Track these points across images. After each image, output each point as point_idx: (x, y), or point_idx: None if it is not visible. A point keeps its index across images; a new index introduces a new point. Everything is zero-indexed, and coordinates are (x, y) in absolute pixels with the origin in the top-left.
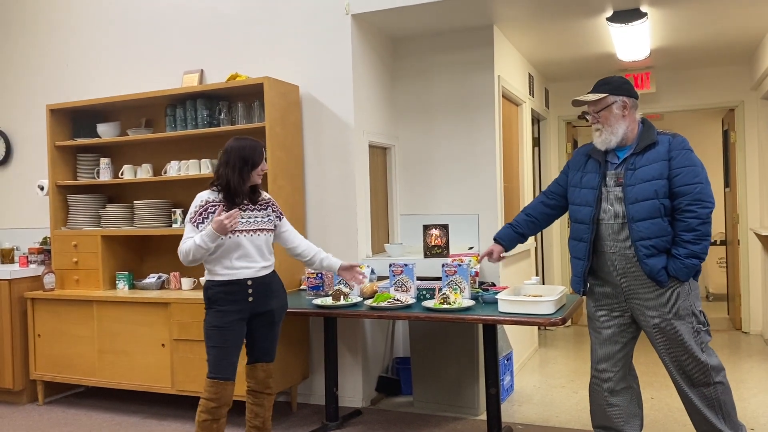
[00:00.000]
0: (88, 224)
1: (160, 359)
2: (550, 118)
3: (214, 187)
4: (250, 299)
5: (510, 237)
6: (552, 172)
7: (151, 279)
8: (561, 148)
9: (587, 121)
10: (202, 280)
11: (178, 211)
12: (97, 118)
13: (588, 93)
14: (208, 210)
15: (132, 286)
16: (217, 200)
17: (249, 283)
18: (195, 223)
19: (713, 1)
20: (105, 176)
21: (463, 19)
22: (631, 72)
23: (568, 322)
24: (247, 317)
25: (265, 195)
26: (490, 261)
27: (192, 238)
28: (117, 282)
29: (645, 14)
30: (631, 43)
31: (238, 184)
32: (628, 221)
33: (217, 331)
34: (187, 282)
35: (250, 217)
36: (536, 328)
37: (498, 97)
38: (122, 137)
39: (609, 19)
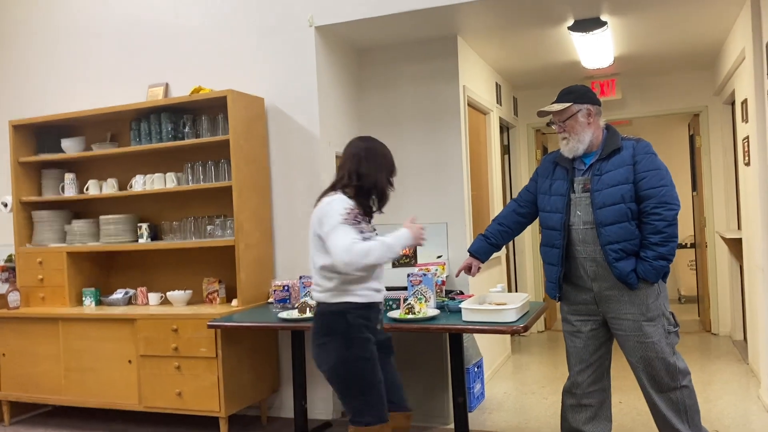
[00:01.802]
0: (54, 240)
1: (126, 376)
2: (519, 125)
3: (347, 190)
4: (379, 326)
5: (485, 249)
6: (522, 178)
7: (118, 295)
8: (531, 155)
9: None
10: (180, 294)
11: (144, 225)
12: (62, 133)
13: (552, 103)
14: (357, 213)
15: (99, 303)
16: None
17: (380, 308)
18: (353, 225)
19: (671, 9)
20: (70, 192)
21: (427, 30)
22: (597, 79)
23: (541, 328)
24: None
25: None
26: (468, 275)
27: (371, 239)
28: (83, 298)
29: (605, 23)
30: (595, 51)
31: (385, 190)
32: (597, 226)
33: (369, 364)
34: (154, 297)
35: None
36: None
37: (463, 107)
38: (87, 152)
39: (570, 28)
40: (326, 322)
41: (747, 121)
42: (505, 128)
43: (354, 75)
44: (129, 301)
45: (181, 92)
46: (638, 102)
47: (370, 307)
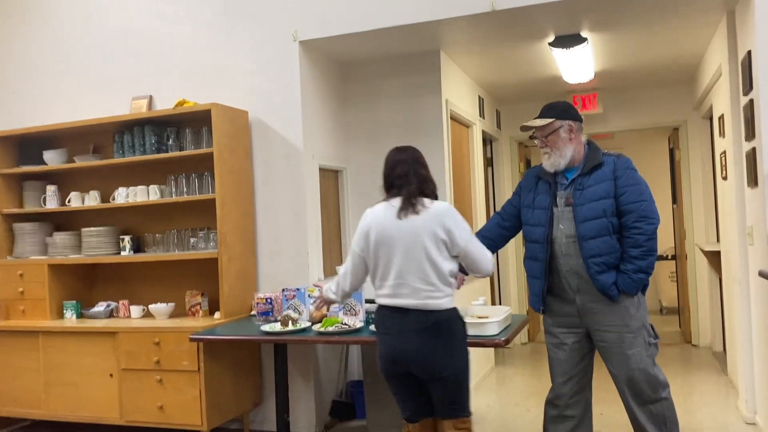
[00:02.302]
0: (35, 253)
1: (108, 390)
2: (503, 138)
3: (432, 196)
4: None
5: None
6: (506, 191)
7: (100, 308)
8: (514, 168)
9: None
10: (162, 306)
11: (127, 238)
12: (44, 145)
13: (535, 118)
14: None
15: (80, 316)
16: None
17: None
18: None
19: (650, 26)
20: (52, 204)
21: (410, 44)
22: (579, 93)
23: (525, 340)
24: None
25: None
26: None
27: None
28: (64, 311)
29: (585, 39)
30: (576, 66)
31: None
32: (579, 239)
33: None
34: (136, 310)
35: None
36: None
37: (446, 120)
38: (69, 164)
39: (551, 44)
40: (455, 327)
41: (724, 136)
42: (488, 141)
43: (337, 89)
44: (111, 314)
45: (164, 105)
46: (619, 116)
47: None
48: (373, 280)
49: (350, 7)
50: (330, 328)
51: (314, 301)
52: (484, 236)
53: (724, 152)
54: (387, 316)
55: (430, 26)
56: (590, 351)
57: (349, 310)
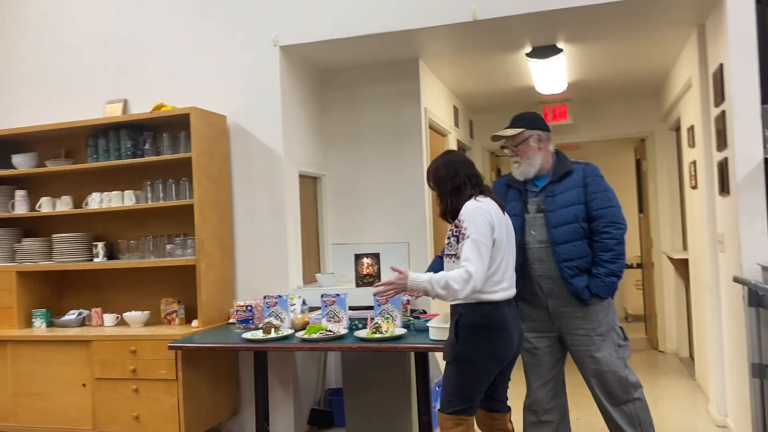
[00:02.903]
0: (2, 260)
1: (80, 400)
2: (475, 148)
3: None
4: None
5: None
6: None
7: (71, 316)
8: (486, 177)
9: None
10: (137, 314)
11: (100, 244)
12: (13, 149)
13: (506, 128)
14: None
15: (50, 324)
16: None
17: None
18: None
19: (623, 38)
20: (21, 209)
21: (390, 52)
22: (550, 104)
23: None
24: None
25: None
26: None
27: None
28: (33, 320)
29: (561, 50)
30: (550, 77)
31: None
32: (552, 244)
33: None
34: (109, 318)
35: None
36: None
37: (425, 128)
38: (40, 168)
39: (528, 55)
40: None
41: (694, 146)
42: (462, 150)
43: (316, 95)
44: (82, 322)
45: (139, 109)
46: (588, 127)
47: None
48: (492, 275)
49: (332, 14)
50: (315, 335)
51: (387, 290)
52: None
53: (694, 162)
54: (509, 309)
55: (411, 34)
56: (563, 355)
57: (333, 317)
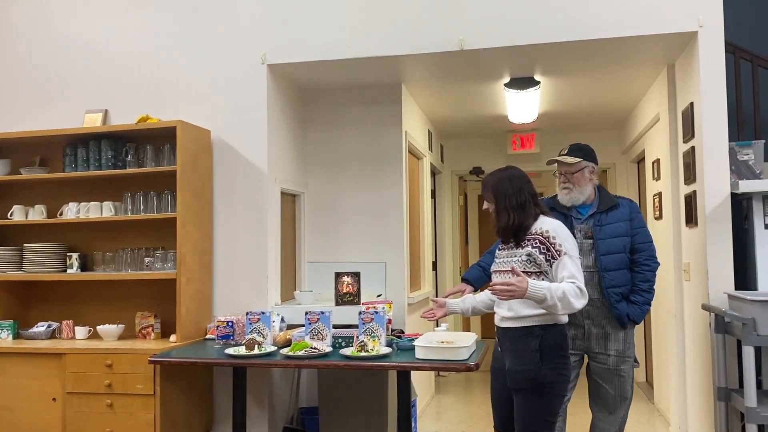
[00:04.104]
0: None
1: (49, 415)
2: (445, 172)
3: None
4: (500, 348)
5: (479, 276)
6: (446, 222)
7: (40, 328)
8: (454, 201)
9: (557, 176)
10: (111, 328)
11: (75, 255)
12: None
13: (565, 155)
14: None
15: (17, 336)
16: None
17: (496, 330)
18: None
19: (596, 73)
20: None
21: (375, 76)
22: (518, 133)
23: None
24: (503, 371)
25: (535, 230)
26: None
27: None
28: None
29: (538, 82)
30: (523, 108)
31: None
32: (600, 270)
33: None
34: (81, 331)
35: (507, 256)
36: (433, 374)
37: (405, 151)
38: (13, 176)
39: (506, 85)
40: None
41: (659, 179)
42: (432, 174)
43: (299, 114)
44: (52, 334)
45: (120, 120)
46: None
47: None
48: None
49: (322, 36)
50: (300, 353)
51: (507, 291)
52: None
53: (659, 194)
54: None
55: (398, 60)
56: (579, 372)
57: (316, 335)
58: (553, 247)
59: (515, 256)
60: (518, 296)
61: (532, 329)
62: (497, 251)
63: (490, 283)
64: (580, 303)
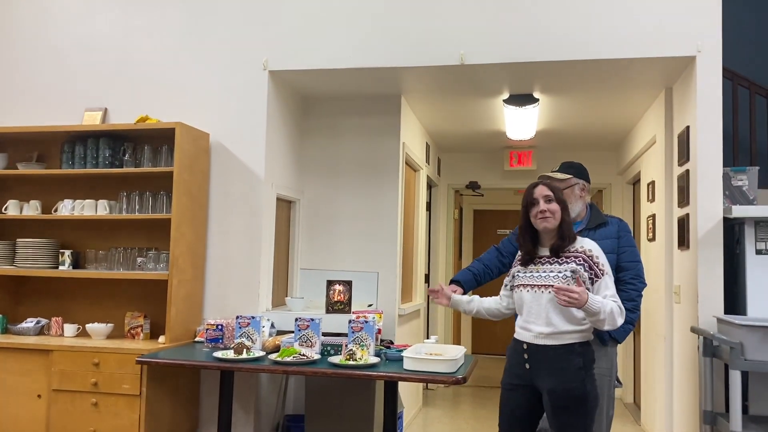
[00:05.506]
0: None
1: (33, 412)
2: (441, 185)
3: None
4: (527, 366)
5: (469, 280)
6: (440, 235)
7: (29, 324)
8: (449, 214)
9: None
10: (100, 326)
11: (67, 252)
12: None
13: (556, 171)
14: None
15: (5, 331)
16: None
17: (525, 347)
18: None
19: (594, 93)
20: None
21: (375, 86)
22: (516, 149)
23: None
24: (529, 388)
25: (576, 248)
26: (436, 299)
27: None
28: None
29: (537, 100)
30: (521, 124)
31: (519, 230)
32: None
33: (502, 392)
34: (70, 328)
35: (544, 271)
36: (421, 387)
37: (402, 162)
38: (10, 170)
39: (506, 101)
40: None
41: (653, 201)
42: (428, 186)
43: (298, 121)
44: (40, 331)
45: (119, 119)
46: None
47: (515, 343)
48: None
49: (326, 45)
50: (288, 359)
51: (571, 297)
52: (485, 264)
53: (653, 216)
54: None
55: (399, 72)
56: None
57: (306, 341)
58: (597, 266)
59: (555, 271)
60: (577, 305)
61: (572, 347)
62: (520, 266)
63: (555, 286)
64: (621, 320)
